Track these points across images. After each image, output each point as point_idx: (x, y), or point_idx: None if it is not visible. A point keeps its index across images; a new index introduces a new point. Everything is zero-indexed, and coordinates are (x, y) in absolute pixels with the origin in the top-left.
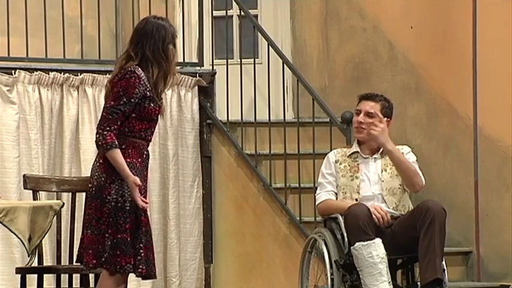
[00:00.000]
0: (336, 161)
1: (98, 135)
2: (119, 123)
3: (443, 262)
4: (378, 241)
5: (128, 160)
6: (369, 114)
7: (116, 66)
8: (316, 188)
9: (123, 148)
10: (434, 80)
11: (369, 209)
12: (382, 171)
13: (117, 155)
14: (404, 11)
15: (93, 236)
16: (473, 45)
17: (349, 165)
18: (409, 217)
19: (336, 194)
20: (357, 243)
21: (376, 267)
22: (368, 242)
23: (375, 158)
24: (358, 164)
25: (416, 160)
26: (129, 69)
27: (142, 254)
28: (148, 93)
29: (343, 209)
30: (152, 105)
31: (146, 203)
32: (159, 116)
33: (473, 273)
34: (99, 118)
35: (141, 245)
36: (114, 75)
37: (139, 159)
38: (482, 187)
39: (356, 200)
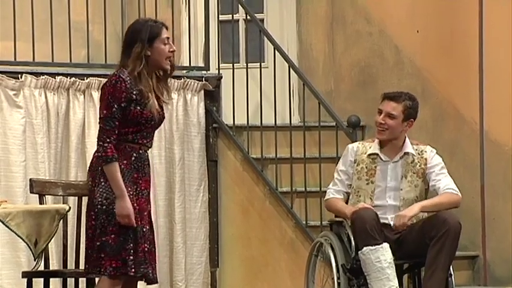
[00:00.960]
0: (354, 161)
1: (98, 147)
2: (116, 131)
3: (451, 268)
4: (386, 246)
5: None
6: (390, 116)
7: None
8: (323, 192)
9: None
10: (440, 84)
11: (376, 214)
12: (402, 177)
13: (115, 169)
14: (410, 15)
15: (87, 241)
16: (480, 49)
17: (366, 168)
18: (424, 225)
19: (346, 193)
20: (364, 248)
21: (384, 271)
22: (376, 246)
23: (395, 162)
24: (375, 167)
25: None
26: (115, 73)
27: (132, 256)
28: (134, 96)
29: (342, 214)
30: (138, 108)
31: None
32: (153, 120)
33: (480, 277)
34: None
35: (131, 246)
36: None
37: (125, 161)
38: (488, 191)
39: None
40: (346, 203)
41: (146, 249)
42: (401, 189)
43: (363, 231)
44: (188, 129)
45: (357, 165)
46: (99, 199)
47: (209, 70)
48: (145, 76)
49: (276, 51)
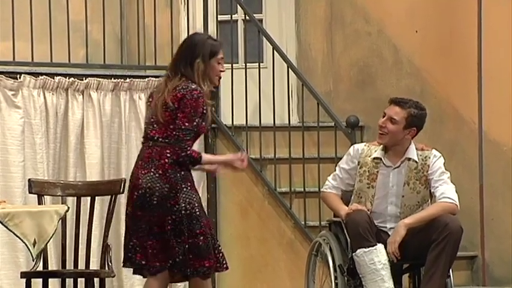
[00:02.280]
0: (358, 163)
1: (182, 158)
2: (193, 142)
3: (451, 270)
4: (380, 247)
5: (185, 169)
6: (391, 120)
7: (171, 80)
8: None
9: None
10: (439, 84)
11: (369, 216)
12: (404, 184)
13: (207, 157)
14: (409, 15)
15: (159, 242)
16: (479, 50)
17: (368, 171)
18: (425, 228)
19: (343, 190)
20: (358, 250)
21: (378, 273)
22: (370, 248)
23: (397, 167)
24: (377, 172)
25: (444, 164)
26: (194, 87)
27: (221, 253)
28: (205, 111)
29: (337, 213)
30: (203, 123)
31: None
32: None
33: (478, 277)
34: (104, 122)
35: (217, 244)
36: (176, 88)
37: (187, 171)
38: (488, 192)
39: (368, 210)
40: (342, 199)
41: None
42: (403, 196)
43: (356, 233)
44: None
45: (359, 168)
46: (183, 205)
47: None
48: (210, 92)
49: (275, 52)
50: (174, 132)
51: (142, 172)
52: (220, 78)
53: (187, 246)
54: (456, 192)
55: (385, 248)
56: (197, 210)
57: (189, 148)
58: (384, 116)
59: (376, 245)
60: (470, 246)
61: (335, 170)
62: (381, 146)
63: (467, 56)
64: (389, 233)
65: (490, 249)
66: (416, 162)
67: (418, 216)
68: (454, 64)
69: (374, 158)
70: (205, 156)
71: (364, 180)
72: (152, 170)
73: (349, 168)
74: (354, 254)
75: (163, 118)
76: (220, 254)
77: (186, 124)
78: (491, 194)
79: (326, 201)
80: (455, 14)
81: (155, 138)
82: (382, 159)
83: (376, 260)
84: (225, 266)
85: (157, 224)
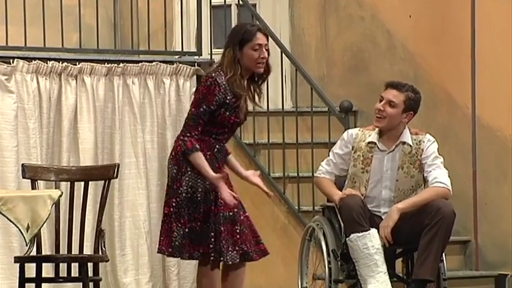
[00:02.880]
0: (352, 147)
1: (180, 142)
2: (199, 128)
3: (444, 254)
4: (373, 231)
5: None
6: (390, 103)
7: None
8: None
9: None
10: (432, 69)
11: (362, 200)
12: (398, 167)
13: (197, 157)
14: (403, 0)
15: (164, 225)
16: (472, 34)
17: (362, 156)
18: (418, 212)
19: (337, 176)
20: (352, 235)
21: (372, 258)
22: (363, 233)
23: (391, 151)
24: (372, 156)
25: (438, 148)
26: (212, 75)
27: (214, 242)
28: (227, 101)
29: (330, 198)
30: (228, 113)
31: (236, 198)
32: (239, 123)
33: (472, 262)
34: (97, 107)
35: (212, 233)
36: None
37: (209, 152)
38: (481, 176)
39: (362, 195)
40: (336, 184)
41: (238, 230)
42: (397, 180)
43: (350, 218)
44: (180, 115)
45: (354, 153)
46: (185, 187)
47: (201, 55)
48: (241, 81)
49: (268, 36)
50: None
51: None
52: (261, 63)
53: (186, 230)
54: (449, 177)
55: (379, 232)
56: (199, 195)
57: (188, 134)
58: (381, 100)
59: (369, 229)
60: (463, 231)
61: (328, 155)
62: (375, 130)
63: (461, 41)
64: (383, 217)
65: (483, 233)
66: (410, 146)
67: (410, 201)
68: (447, 49)
69: (368, 143)
70: (196, 156)
71: (358, 165)
72: (172, 152)
73: (343, 153)
74: (347, 238)
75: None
76: (210, 246)
77: (193, 109)
78: (484, 178)
79: (319, 186)
80: None
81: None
82: (377, 143)
83: (369, 244)
84: (227, 259)
85: (165, 205)
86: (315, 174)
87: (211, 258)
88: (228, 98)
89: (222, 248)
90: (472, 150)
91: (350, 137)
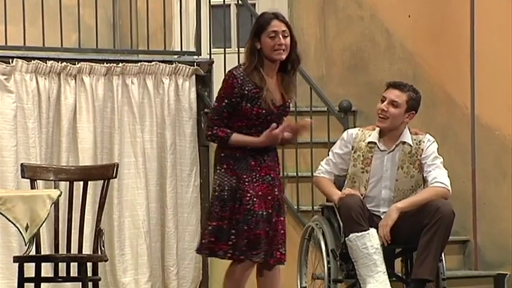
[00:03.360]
0: (352, 147)
1: (209, 138)
2: (224, 121)
3: (443, 254)
4: (373, 231)
5: (226, 151)
6: (393, 103)
7: None
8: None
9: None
10: (431, 69)
11: (361, 200)
12: (398, 167)
13: (236, 138)
14: (402, 0)
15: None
16: (471, 34)
17: (363, 156)
18: (417, 212)
19: (336, 175)
20: (351, 235)
21: (371, 257)
22: (362, 233)
23: (392, 151)
24: (371, 156)
25: (438, 148)
26: (231, 69)
27: (234, 240)
28: (246, 92)
29: (329, 197)
30: (249, 105)
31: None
32: (267, 115)
33: (471, 261)
34: (96, 107)
35: (233, 231)
36: None
37: (240, 149)
38: (480, 176)
39: (361, 195)
40: (335, 184)
41: (268, 232)
42: (397, 180)
43: (349, 218)
44: (180, 114)
45: (353, 152)
46: (214, 185)
47: (201, 55)
48: (261, 71)
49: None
50: None
51: None
52: (279, 50)
53: (211, 228)
54: (448, 177)
55: (378, 232)
56: (225, 194)
57: (215, 128)
58: (382, 101)
59: (368, 229)
60: (462, 231)
61: (328, 155)
62: (376, 130)
63: (460, 40)
64: (382, 217)
65: (482, 233)
66: (410, 146)
67: (410, 201)
68: (446, 48)
69: (369, 142)
70: (235, 138)
71: (358, 164)
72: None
73: (343, 153)
74: (346, 238)
75: None
76: (230, 243)
77: (216, 104)
78: (483, 178)
79: (319, 185)
80: None
81: None
82: (377, 143)
83: (368, 244)
84: (241, 257)
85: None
86: (314, 174)
87: (229, 255)
88: (247, 88)
89: (242, 247)
90: (471, 149)
91: (350, 137)
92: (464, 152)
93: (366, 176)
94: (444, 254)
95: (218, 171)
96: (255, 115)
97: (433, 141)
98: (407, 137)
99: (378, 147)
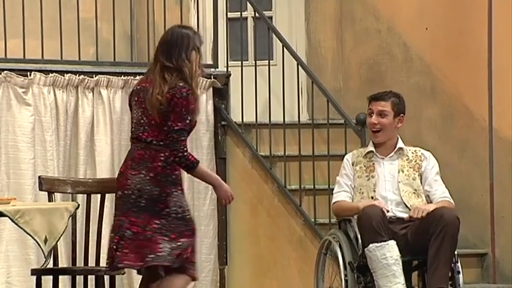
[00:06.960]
0: (353, 163)
1: (179, 159)
2: (186, 139)
3: (459, 264)
4: (392, 242)
5: (177, 173)
6: (381, 114)
7: (155, 78)
8: (331, 189)
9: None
10: (449, 82)
11: (382, 211)
12: (398, 171)
13: (203, 169)
14: (419, 12)
15: (142, 242)
16: (489, 47)
17: (364, 166)
18: (423, 222)
19: (352, 195)
20: (370, 245)
21: (390, 268)
22: (382, 243)
23: (390, 157)
24: (373, 164)
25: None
26: (186, 86)
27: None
28: (194, 106)
29: (353, 210)
30: (195, 119)
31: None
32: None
33: (489, 275)
34: (114, 120)
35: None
36: (165, 90)
37: (179, 172)
38: (498, 189)
39: (372, 197)
40: None
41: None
42: (400, 182)
43: (369, 228)
44: (197, 127)
45: (355, 166)
46: (173, 208)
47: (218, 68)
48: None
49: (285, 49)
50: (169, 135)
51: (132, 173)
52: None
53: (178, 244)
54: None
55: (398, 244)
56: (187, 214)
57: (185, 149)
58: (370, 115)
59: (388, 240)
60: (481, 244)
61: (338, 180)
62: (370, 143)
63: (478, 53)
64: (394, 221)
65: (500, 246)
66: (407, 151)
67: (434, 206)
68: (464, 61)
69: (367, 153)
70: (203, 168)
71: (362, 175)
72: (143, 171)
73: (348, 171)
74: (366, 248)
75: (155, 120)
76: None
77: (179, 124)
78: (502, 191)
79: (339, 208)
80: (465, 11)
81: (148, 141)
82: (374, 151)
83: (388, 255)
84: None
85: (138, 225)
86: (332, 203)
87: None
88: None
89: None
90: (489, 162)
91: (349, 157)
92: (483, 165)
93: (372, 182)
94: (462, 267)
95: (175, 193)
96: (193, 128)
97: (432, 156)
98: (402, 144)
99: (377, 155)
